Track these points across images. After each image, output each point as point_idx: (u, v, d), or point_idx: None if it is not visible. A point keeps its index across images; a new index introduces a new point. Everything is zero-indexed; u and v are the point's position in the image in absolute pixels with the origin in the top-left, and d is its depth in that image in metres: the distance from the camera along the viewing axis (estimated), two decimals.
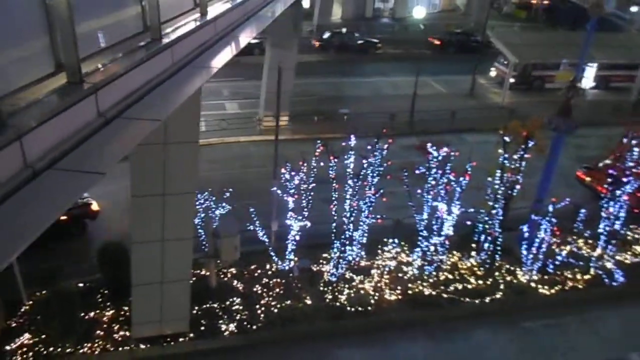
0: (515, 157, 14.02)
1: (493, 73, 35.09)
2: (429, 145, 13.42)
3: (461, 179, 13.37)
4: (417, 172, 13.44)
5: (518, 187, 14.34)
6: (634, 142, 15.85)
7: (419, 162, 14.24)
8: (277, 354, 12.22)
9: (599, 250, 15.70)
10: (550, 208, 14.00)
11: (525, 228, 14.43)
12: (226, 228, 12.90)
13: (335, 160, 13.16)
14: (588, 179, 19.28)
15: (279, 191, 13.65)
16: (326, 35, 40.81)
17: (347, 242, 14.68)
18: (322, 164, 13.49)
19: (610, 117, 28.01)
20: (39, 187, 3.57)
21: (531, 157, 14.18)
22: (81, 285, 13.54)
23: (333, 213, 13.83)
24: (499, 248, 15.00)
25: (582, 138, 24.51)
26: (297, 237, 14.31)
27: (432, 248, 14.62)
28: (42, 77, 4.13)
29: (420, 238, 14.64)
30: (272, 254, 14.43)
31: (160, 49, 6.07)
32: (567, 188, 18.89)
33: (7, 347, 11.72)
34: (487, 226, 14.96)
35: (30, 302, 12.56)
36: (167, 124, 9.88)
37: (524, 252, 14.78)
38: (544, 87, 33.66)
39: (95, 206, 16.09)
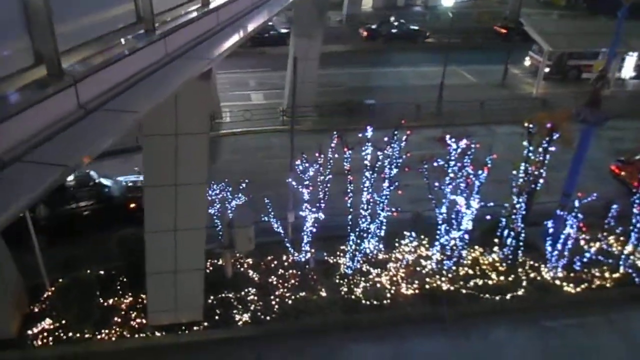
0: (540, 149, 13.45)
1: (527, 63, 33.98)
2: (447, 137, 13.02)
3: (479, 172, 12.92)
4: (434, 164, 13.05)
5: (541, 181, 13.75)
6: None
7: (439, 154, 13.87)
8: (289, 346, 12.20)
9: (629, 248, 14.99)
10: (577, 203, 13.39)
11: (549, 224, 13.84)
12: (241, 219, 12.91)
13: (350, 151, 12.94)
14: (622, 173, 18.41)
15: (293, 183, 13.54)
16: (374, 25, 40.65)
17: (364, 235, 14.53)
18: (336, 155, 13.28)
19: None
20: (5, 179, 3.55)
21: (559, 150, 13.58)
22: (102, 272, 13.86)
23: (348, 205, 13.63)
24: (521, 243, 14.50)
25: (618, 130, 23.49)
26: (314, 229, 14.22)
27: (451, 242, 14.26)
28: (22, 70, 4.12)
29: (439, 232, 14.31)
30: (287, 245, 14.37)
31: (153, 41, 6.02)
32: (600, 183, 18.09)
33: (30, 332, 12.13)
34: (510, 221, 14.49)
35: (52, 289, 12.92)
36: (178, 115, 9.94)
37: (549, 249, 14.22)
38: (580, 77, 32.35)
39: None
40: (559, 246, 14.11)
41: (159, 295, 12.08)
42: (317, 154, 13.30)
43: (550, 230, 13.96)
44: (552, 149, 13.25)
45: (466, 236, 14.04)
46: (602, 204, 16.59)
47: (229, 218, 13.04)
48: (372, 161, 13.33)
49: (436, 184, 13.26)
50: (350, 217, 13.88)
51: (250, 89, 30.59)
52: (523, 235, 14.82)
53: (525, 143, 13.80)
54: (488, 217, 14.25)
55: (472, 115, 26.18)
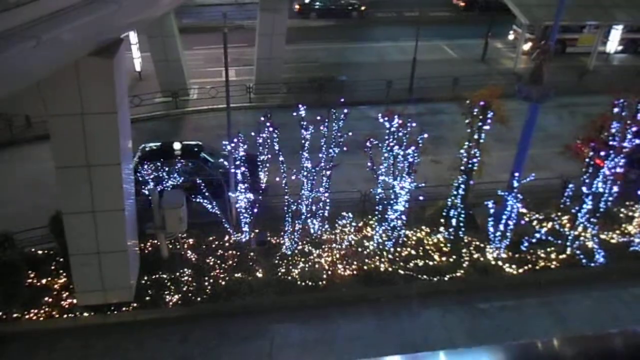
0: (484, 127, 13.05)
1: (511, 36, 33.17)
2: (380, 115, 12.64)
3: (409, 150, 12.56)
4: (367, 143, 12.71)
5: (475, 160, 13.40)
6: (622, 112, 14.57)
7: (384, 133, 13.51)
8: (216, 327, 12.11)
9: (580, 229, 14.71)
10: (516, 183, 13.07)
11: (490, 204, 13.53)
12: (170, 199, 12.71)
13: (277, 130, 12.61)
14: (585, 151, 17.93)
15: (225, 163, 13.25)
16: None
17: (307, 215, 14.33)
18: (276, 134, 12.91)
19: (633, 84, 25.95)
20: None
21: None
22: (40, 252, 13.76)
23: (284, 185, 13.38)
24: (462, 224, 14.25)
25: (598, 106, 22.97)
26: (256, 210, 14.02)
27: (393, 223, 14.02)
28: None
29: (382, 212, 14.07)
30: (226, 226, 14.18)
31: None
32: (566, 161, 17.63)
33: None
34: (453, 201, 14.22)
35: None
36: (81, 94, 9.64)
37: (491, 229, 13.95)
38: (565, 51, 31.58)
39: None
40: (501, 227, 13.83)
41: (85, 276, 11.97)
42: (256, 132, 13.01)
43: (492, 211, 13.63)
44: (487, 127, 12.85)
45: (403, 216, 13.76)
46: (560, 183, 16.37)
47: (159, 198, 12.82)
48: (313, 141, 13.06)
49: (369, 164, 12.94)
50: (286, 197, 13.62)
51: (223, 65, 29.96)
52: (468, 215, 14.60)
53: (467, 121, 13.42)
54: (421, 197, 13.90)
55: (444, 92, 25.60)
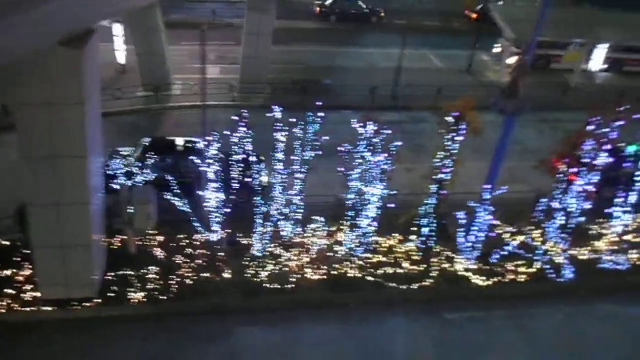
0: (457, 138, 13.08)
1: (497, 49, 33.42)
2: (355, 122, 12.62)
3: (379, 158, 12.55)
4: (339, 148, 12.69)
5: (447, 170, 13.43)
6: (597, 130, 14.73)
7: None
8: (180, 326, 11.96)
9: (550, 243, 14.83)
10: (486, 195, 13.13)
11: (459, 214, 13.58)
12: (139, 195, 12.54)
13: (250, 131, 12.52)
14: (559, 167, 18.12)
15: (198, 160, 13.10)
16: (328, 1, 39.24)
17: (279, 218, 14.24)
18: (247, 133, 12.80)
19: (611, 102, 26.32)
20: None
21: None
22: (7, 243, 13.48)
23: (256, 186, 13.29)
24: (433, 233, 14.29)
25: (578, 123, 23.25)
26: (228, 210, 13.88)
27: (365, 229, 13.99)
28: None
29: (354, 218, 14.04)
30: (196, 224, 14.00)
31: None
32: (543, 175, 17.78)
33: None
34: (425, 210, 14.23)
35: None
36: (47, 84, 9.47)
37: (460, 240, 13.99)
38: (548, 67, 31.93)
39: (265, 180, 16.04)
40: (472, 238, 13.87)
41: (48, 269, 11.76)
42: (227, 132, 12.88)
43: (462, 222, 13.67)
44: (460, 138, 12.89)
45: (374, 223, 13.75)
46: (533, 197, 16.48)
47: (128, 193, 12.64)
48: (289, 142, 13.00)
49: (341, 169, 12.92)
50: (258, 198, 13.51)
51: (208, 62, 29.70)
52: (441, 225, 14.64)
53: (442, 131, 13.43)
54: (391, 205, 13.89)
55: (427, 101, 25.71)
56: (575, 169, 13.43)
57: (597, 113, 14.43)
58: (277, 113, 12.57)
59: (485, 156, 16.47)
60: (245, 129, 12.45)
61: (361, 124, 12.50)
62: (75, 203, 10.92)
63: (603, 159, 13.93)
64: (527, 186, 17.74)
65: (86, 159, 10.47)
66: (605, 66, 31.98)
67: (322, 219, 14.42)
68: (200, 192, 13.38)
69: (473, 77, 30.84)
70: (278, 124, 12.78)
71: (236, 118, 12.58)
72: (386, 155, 12.60)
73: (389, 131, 12.76)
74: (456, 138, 12.82)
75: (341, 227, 14.61)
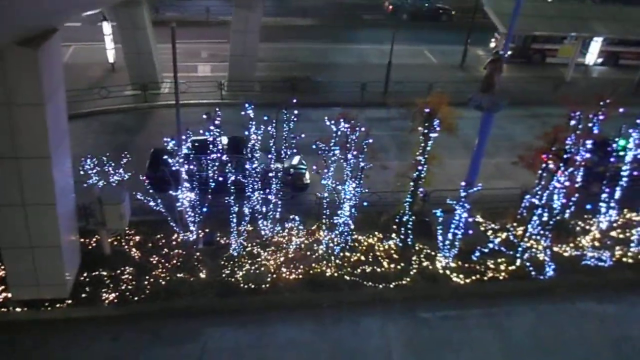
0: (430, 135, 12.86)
1: (492, 44, 33.06)
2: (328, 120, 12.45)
3: (349, 155, 12.38)
4: (313, 146, 12.53)
5: (420, 168, 13.22)
6: (578, 125, 14.46)
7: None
8: (150, 327, 11.85)
9: (533, 241, 14.62)
10: (464, 193, 12.92)
11: (438, 212, 13.37)
12: (110, 195, 12.44)
13: (217, 130, 12.37)
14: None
15: (170, 160, 12.95)
16: None
17: (258, 217, 14.13)
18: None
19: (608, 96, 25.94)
20: None
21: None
22: None
23: (229, 185, 13.14)
24: (412, 231, 14.10)
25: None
26: (205, 209, 13.77)
27: (341, 227, 13.84)
28: None
29: (332, 216, 13.89)
30: (172, 224, 13.89)
31: None
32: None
33: None
34: (402, 207, 14.04)
35: None
36: (6, 84, 9.35)
37: (439, 237, 13.79)
38: (544, 61, 31.60)
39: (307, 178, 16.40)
40: (452, 235, 13.67)
41: (18, 270, 11.69)
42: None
43: (441, 219, 13.47)
44: (434, 135, 12.65)
45: (351, 222, 13.59)
46: (519, 194, 16.25)
47: (99, 194, 12.53)
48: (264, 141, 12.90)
49: (314, 167, 12.75)
50: (232, 197, 13.37)
51: (200, 60, 29.73)
52: (423, 223, 14.46)
53: (420, 128, 13.22)
54: (365, 203, 13.72)
55: (417, 97, 25.44)
56: (554, 165, 13.14)
57: (578, 108, 14.17)
58: (250, 111, 12.43)
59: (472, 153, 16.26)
60: (216, 127, 12.27)
61: (333, 122, 12.30)
62: (42, 204, 10.83)
63: (585, 153, 13.68)
64: (514, 182, 17.48)
65: (50, 160, 10.36)
66: (601, 60, 31.59)
67: (302, 217, 14.24)
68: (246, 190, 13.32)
69: (466, 72, 30.55)
70: (251, 122, 12.67)
71: (205, 117, 12.42)
72: (359, 152, 12.41)
73: (363, 128, 12.57)
74: (430, 135, 12.57)
75: (320, 225, 14.46)
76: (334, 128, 12.30)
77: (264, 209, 13.75)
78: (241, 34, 24.30)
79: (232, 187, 13.16)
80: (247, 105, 12.36)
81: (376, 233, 14.97)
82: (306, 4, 42.59)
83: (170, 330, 11.80)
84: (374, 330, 12.16)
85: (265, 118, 12.60)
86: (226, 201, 13.30)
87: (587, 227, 15.88)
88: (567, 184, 13.81)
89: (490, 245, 14.19)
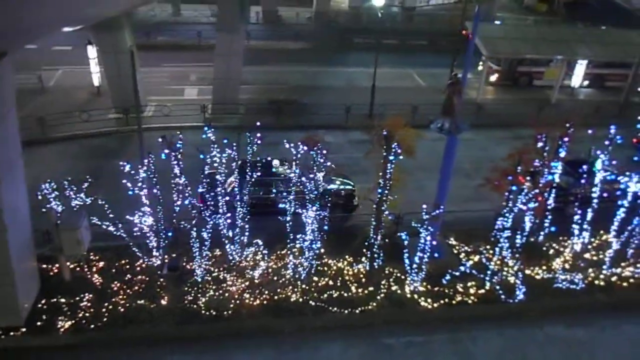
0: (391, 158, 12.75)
1: (480, 67, 33.25)
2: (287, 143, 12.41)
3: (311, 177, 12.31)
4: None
5: (381, 191, 13.07)
6: (545, 146, 14.42)
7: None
8: (104, 356, 11.61)
9: (501, 263, 14.37)
10: (428, 216, 12.75)
11: (403, 235, 13.18)
12: (67, 220, 12.32)
13: (173, 154, 12.31)
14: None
15: (129, 184, 12.85)
16: None
17: (224, 241, 13.97)
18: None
19: (590, 118, 25.90)
20: None
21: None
22: None
23: (192, 209, 13.04)
24: (379, 254, 13.90)
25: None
26: (169, 234, 13.64)
27: (312, 251, 13.66)
28: None
29: (301, 239, 13.72)
30: (135, 249, 13.73)
31: None
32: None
33: None
34: (368, 230, 13.88)
35: None
36: None
37: (411, 261, 13.55)
38: (531, 84, 31.69)
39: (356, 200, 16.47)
40: (421, 259, 13.45)
41: None
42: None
43: (405, 242, 13.27)
44: (392, 157, 12.54)
45: (315, 245, 13.41)
46: (492, 216, 16.05)
47: (57, 219, 12.42)
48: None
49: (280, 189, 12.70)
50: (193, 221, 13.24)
51: (189, 83, 30.00)
52: (397, 246, 14.24)
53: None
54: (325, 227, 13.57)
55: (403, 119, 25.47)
56: (517, 187, 13.00)
57: (544, 130, 14.14)
58: (210, 134, 12.41)
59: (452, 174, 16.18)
60: (172, 152, 12.21)
61: (292, 145, 12.25)
62: None
63: (550, 175, 13.56)
64: (493, 204, 17.33)
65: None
66: (587, 82, 31.67)
67: (269, 241, 14.08)
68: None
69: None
70: (214, 145, 12.64)
71: (160, 140, 12.37)
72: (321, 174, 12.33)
73: (325, 151, 12.50)
74: (389, 158, 12.46)
75: (288, 249, 14.26)
76: (293, 151, 12.22)
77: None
78: (225, 57, 24.51)
79: (282, 208, 13.54)
80: (206, 128, 12.32)
81: (347, 257, 14.75)
82: (298, 28, 43.21)
83: (126, 358, 11.52)
84: (334, 356, 11.89)
85: (225, 141, 12.54)
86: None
87: (561, 249, 15.61)
88: (534, 205, 13.67)
89: (462, 268, 13.94)
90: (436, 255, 13.64)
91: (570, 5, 54.91)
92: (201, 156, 12.45)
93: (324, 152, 12.52)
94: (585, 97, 31.15)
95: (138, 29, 36.57)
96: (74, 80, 28.56)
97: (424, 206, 12.79)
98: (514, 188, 12.91)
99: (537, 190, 13.60)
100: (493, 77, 32.01)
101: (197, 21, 42.21)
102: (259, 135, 12.82)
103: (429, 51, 39.19)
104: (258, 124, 13.15)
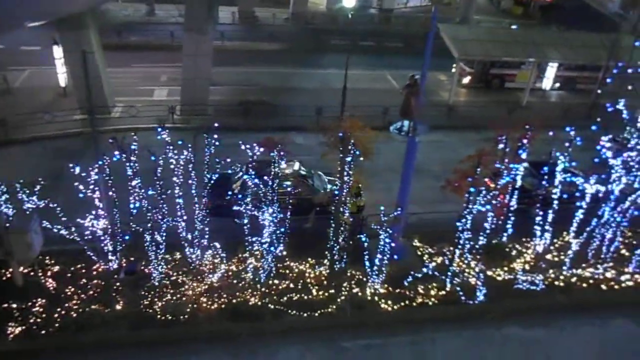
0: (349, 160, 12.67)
1: (454, 69, 33.46)
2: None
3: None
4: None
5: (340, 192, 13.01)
6: (506, 148, 14.52)
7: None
8: None
9: (462, 265, 14.44)
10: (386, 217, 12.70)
11: (362, 237, 13.12)
12: (17, 224, 11.98)
13: (124, 155, 12.07)
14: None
15: (81, 186, 12.55)
16: None
17: (183, 244, 13.75)
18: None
19: (558, 120, 26.23)
20: None
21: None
22: None
23: (147, 212, 12.79)
24: (339, 257, 13.82)
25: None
26: (126, 237, 13.37)
27: (274, 254, 13.52)
28: None
29: (262, 242, 13.56)
30: (90, 254, 13.41)
31: None
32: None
33: None
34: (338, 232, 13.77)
35: None
36: None
37: (373, 263, 13.49)
38: (503, 86, 31.98)
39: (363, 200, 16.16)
40: (383, 261, 13.39)
41: None
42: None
43: (365, 244, 13.20)
44: (348, 159, 12.47)
45: (274, 248, 13.28)
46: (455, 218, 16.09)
47: (6, 222, 12.06)
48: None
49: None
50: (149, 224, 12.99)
51: (159, 84, 29.58)
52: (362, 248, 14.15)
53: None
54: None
55: (373, 121, 25.44)
56: (475, 188, 13.04)
57: (504, 132, 14.22)
58: (165, 135, 12.20)
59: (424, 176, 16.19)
60: (121, 153, 11.96)
61: (248, 147, 12.10)
62: None
63: (508, 177, 13.65)
64: (458, 206, 17.38)
65: None
66: (558, 84, 32.08)
67: (227, 243, 13.89)
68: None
69: (425, 97, 30.67)
70: (169, 147, 12.42)
71: (111, 141, 12.11)
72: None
73: (282, 153, 12.37)
74: (346, 159, 12.39)
75: (247, 252, 14.09)
76: (249, 152, 12.07)
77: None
78: (192, 57, 24.22)
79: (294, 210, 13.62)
80: (159, 129, 12.11)
81: (309, 259, 14.62)
82: (275, 29, 43.00)
83: None
84: None
85: (180, 142, 12.34)
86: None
87: (524, 250, 15.72)
88: (492, 206, 13.73)
89: (425, 269, 13.94)
90: (396, 257, 13.57)
91: (545, 9, 55.73)
92: (152, 158, 12.19)
93: (283, 154, 12.38)
94: (557, 100, 31.55)
95: (110, 29, 36.22)
96: (41, 80, 27.94)
97: (382, 208, 12.71)
98: (471, 190, 12.91)
99: (496, 192, 13.62)
100: (466, 80, 32.23)
101: (172, 22, 41.71)
102: (215, 136, 12.63)
103: (404, 53, 39.26)
104: (216, 125, 12.96)
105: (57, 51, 25.29)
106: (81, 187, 12.39)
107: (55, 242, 13.58)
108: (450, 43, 28.40)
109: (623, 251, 15.82)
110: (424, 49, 12.65)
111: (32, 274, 13.36)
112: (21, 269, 13.01)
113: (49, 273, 13.49)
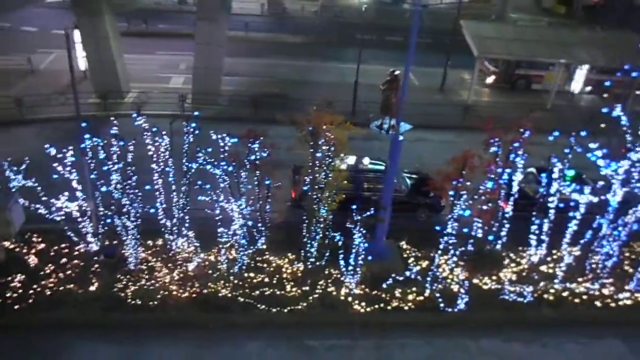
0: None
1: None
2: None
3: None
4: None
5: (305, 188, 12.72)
6: (498, 151, 13.85)
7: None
8: (22, 339, 11.53)
9: (450, 271, 13.91)
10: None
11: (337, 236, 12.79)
12: None
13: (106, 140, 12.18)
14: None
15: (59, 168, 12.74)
16: None
17: (163, 231, 13.83)
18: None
19: (577, 125, 24.92)
20: None
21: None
22: None
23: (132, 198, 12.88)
24: (322, 255, 13.58)
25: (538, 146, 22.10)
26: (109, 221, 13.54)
27: (251, 247, 13.43)
28: None
29: (241, 234, 13.46)
30: (72, 234, 13.64)
31: None
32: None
33: None
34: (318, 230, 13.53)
35: None
36: None
37: (342, 262, 13.17)
38: (530, 87, 30.71)
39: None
40: (352, 260, 13.04)
41: None
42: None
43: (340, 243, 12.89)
44: (319, 154, 12.14)
45: (244, 240, 13.15)
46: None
47: None
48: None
49: (207, 186, 12.48)
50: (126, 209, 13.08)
51: (177, 71, 29.95)
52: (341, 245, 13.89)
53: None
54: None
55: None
56: (457, 192, 12.50)
57: (496, 134, 13.57)
58: (141, 121, 12.25)
59: None
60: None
61: (220, 137, 11.99)
62: None
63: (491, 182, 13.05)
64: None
65: None
66: (589, 88, 30.55)
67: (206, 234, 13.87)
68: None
69: (443, 95, 29.96)
70: (145, 134, 12.47)
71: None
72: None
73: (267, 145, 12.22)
74: (316, 155, 12.09)
75: (224, 244, 14.00)
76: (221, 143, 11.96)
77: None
78: (205, 46, 24.34)
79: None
80: (135, 115, 12.14)
81: (289, 255, 14.43)
82: (302, 21, 42.85)
83: (43, 342, 11.47)
84: (253, 356, 11.59)
85: (155, 129, 12.35)
86: None
87: (518, 259, 15.00)
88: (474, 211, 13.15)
89: (407, 273, 13.49)
90: (370, 257, 13.16)
91: (590, 9, 53.23)
92: (121, 143, 12.25)
93: (265, 146, 12.21)
94: (585, 104, 30.07)
95: (137, 16, 37.00)
96: (65, 64, 28.64)
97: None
98: (451, 193, 12.39)
99: (483, 197, 13.03)
100: (490, 79, 31.19)
101: None
102: (194, 125, 12.58)
103: (431, 50, 38.32)
104: (196, 113, 12.93)
105: (77, 35, 25.92)
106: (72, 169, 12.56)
107: (44, 220, 13.85)
108: (470, 40, 27.49)
109: (626, 267, 14.89)
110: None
111: (17, 250, 13.70)
112: (6, 244, 13.38)
113: (33, 250, 13.79)
